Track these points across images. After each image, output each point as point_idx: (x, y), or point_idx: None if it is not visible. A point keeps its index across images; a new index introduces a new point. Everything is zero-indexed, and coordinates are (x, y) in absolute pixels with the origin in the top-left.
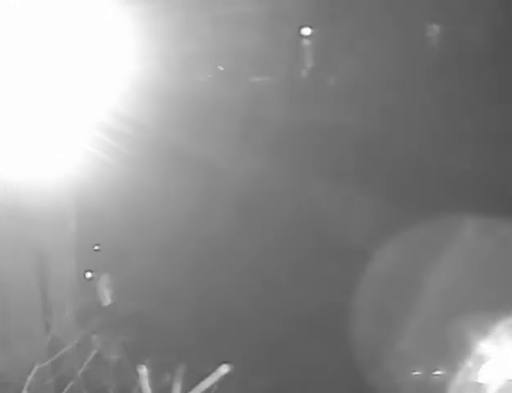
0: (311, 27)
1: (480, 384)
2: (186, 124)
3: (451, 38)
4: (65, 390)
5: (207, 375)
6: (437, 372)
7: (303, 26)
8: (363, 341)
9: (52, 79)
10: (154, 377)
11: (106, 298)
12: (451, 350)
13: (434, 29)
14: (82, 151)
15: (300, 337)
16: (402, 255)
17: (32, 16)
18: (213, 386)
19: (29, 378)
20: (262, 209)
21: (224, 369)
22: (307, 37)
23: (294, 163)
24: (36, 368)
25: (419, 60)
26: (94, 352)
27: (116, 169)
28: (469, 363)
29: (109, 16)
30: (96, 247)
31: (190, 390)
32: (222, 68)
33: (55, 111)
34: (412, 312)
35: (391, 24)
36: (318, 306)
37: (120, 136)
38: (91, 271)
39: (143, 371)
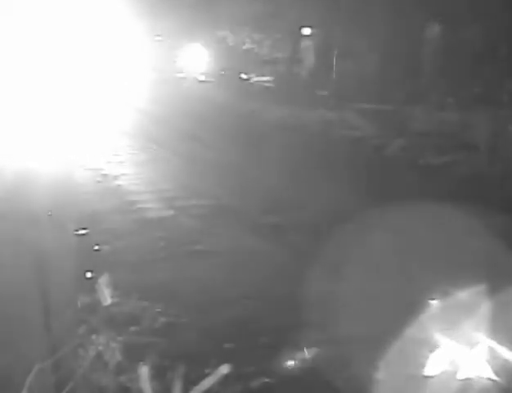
0: (311, 27)
1: (433, 378)
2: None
3: (449, 37)
4: (65, 390)
5: (207, 375)
6: (387, 365)
7: (303, 26)
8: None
9: (56, 79)
10: (155, 377)
11: (106, 298)
12: (402, 341)
13: (433, 28)
14: (82, 150)
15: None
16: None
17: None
18: (213, 386)
19: (29, 378)
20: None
21: (224, 369)
22: (307, 37)
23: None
24: (36, 368)
25: (417, 59)
26: (94, 352)
27: (117, 167)
28: (423, 356)
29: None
30: (97, 247)
31: (191, 390)
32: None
33: (55, 111)
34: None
35: (390, 23)
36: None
37: (121, 134)
38: (91, 271)
39: (143, 371)
